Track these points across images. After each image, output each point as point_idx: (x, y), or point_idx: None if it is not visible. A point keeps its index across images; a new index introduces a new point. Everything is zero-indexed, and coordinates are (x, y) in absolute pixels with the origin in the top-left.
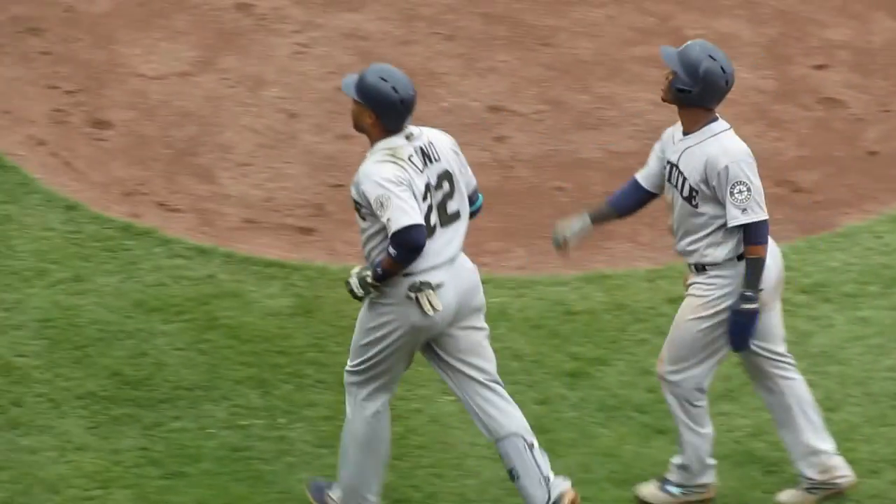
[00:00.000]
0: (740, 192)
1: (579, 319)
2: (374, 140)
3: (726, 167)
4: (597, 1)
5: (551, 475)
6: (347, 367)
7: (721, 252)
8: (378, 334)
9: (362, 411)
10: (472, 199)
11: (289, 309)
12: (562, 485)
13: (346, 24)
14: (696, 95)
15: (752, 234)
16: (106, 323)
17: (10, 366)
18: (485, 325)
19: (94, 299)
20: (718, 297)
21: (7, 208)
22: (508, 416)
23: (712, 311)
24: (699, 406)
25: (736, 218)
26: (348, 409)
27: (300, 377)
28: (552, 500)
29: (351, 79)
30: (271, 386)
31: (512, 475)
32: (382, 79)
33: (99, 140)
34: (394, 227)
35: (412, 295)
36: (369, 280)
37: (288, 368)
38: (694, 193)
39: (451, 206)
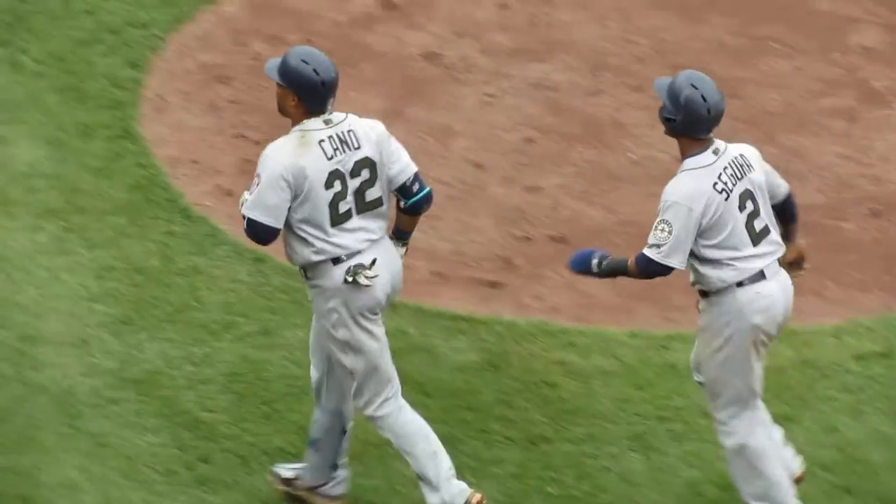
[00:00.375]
0: (662, 230)
1: (767, 376)
2: (295, 123)
3: (665, 203)
4: (784, 52)
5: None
6: (359, 406)
7: (712, 283)
8: (346, 337)
9: (389, 424)
10: (410, 190)
11: (476, 364)
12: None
13: (533, 74)
14: (681, 124)
15: (644, 265)
16: (294, 378)
17: (197, 421)
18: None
19: (282, 353)
20: (722, 324)
21: (195, 260)
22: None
23: (721, 338)
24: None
25: (645, 248)
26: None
27: (487, 433)
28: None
29: (274, 62)
30: (459, 442)
31: (313, 445)
32: (304, 61)
33: None
34: (245, 211)
35: (349, 279)
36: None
37: (476, 424)
38: None
39: (372, 194)
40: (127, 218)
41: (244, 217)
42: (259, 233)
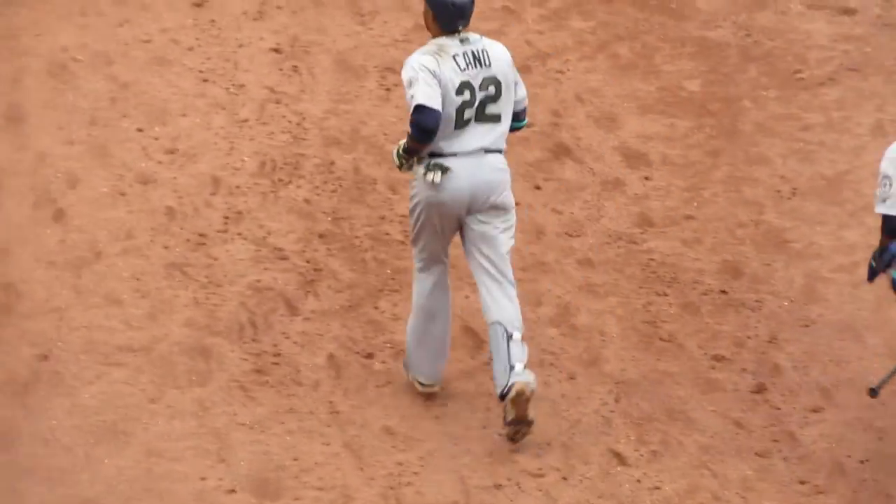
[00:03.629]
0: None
1: None
2: (433, 37)
3: None
4: None
5: (518, 366)
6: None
7: None
8: (413, 209)
9: (420, 284)
10: (518, 117)
11: None
12: (520, 375)
13: None
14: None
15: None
16: None
17: None
18: (504, 224)
19: None
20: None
21: None
22: (499, 306)
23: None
24: None
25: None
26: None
27: None
28: (507, 384)
29: None
30: None
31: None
32: None
33: None
34: (410, 105)
35: (423, 172)
36: (401, 152)
37: None
38: None
39: (492, 109)
40: None
41: (411, 115)
42: (423, 117)
